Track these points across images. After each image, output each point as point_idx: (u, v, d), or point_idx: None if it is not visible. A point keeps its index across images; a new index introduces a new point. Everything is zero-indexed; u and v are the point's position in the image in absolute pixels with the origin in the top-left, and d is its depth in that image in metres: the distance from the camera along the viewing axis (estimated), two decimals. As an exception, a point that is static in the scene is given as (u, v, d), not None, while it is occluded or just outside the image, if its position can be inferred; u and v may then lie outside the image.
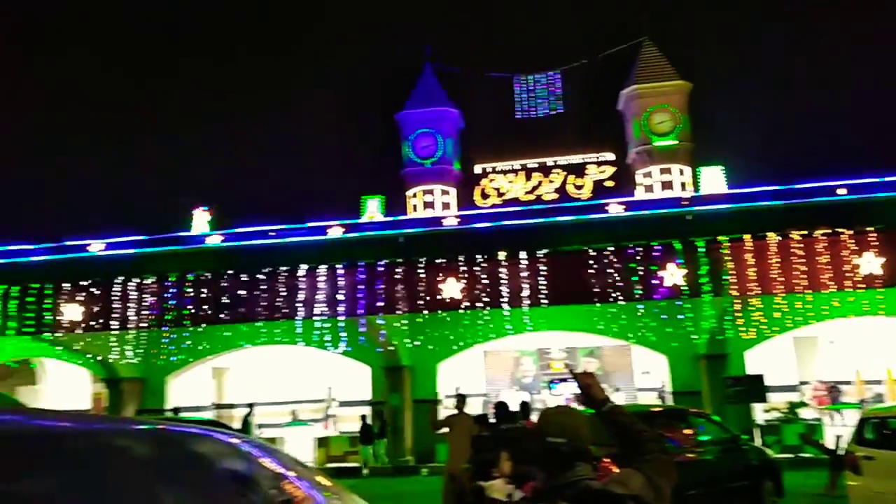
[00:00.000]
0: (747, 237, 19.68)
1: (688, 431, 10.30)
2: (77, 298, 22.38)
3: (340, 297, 21.15)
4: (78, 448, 1.02)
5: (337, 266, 21.38)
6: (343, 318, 21.05)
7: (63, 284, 22.42)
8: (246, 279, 21.72)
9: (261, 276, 21.67)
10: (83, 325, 22.20)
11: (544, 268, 20.09)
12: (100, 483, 0.96)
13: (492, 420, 12.05)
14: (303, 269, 21.48)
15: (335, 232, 22.72)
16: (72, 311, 22.11)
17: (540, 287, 19.96)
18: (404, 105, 29.70)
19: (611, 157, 26.28)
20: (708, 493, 9.16)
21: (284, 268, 21.59)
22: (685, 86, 27.37)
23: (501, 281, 20.23)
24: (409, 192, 28.51)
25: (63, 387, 24.26)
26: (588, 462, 2.32)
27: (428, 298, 20.66)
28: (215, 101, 59.78)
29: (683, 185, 26.07)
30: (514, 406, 12.67)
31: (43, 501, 0.86)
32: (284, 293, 21.45)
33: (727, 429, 11.22)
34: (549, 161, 26.44)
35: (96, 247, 23.13)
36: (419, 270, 20.92)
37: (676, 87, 27.22)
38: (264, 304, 21.49)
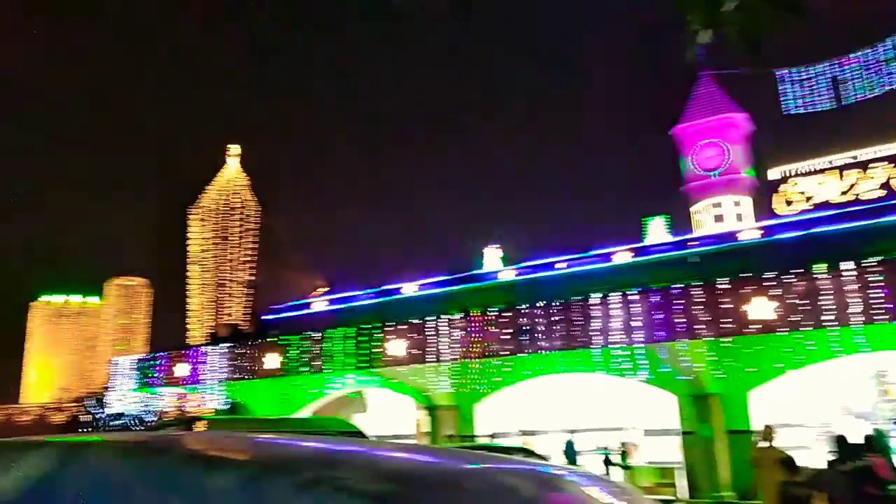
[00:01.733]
0: None
1: None
2: (398, 335, 25.47)
3: (636, 323, 20.72)
4: (475, 489, 1.15)
5: (628, 292, 21.04)
6: (641, 345, 20.56)
7: (386, 324, 25.73)
8: (541, 310, 22.53)
9: (554, 307, 22.30)
10: (405, 359, 25.14)
11: (877, 277, 17.26)
12: None
13: (831, 457, 10.72)
14: (595, 298, 21.57)
15: (622, 257, 22.52)
16: (395, 347, 25.21)
17: (872, 300, 17.18)
18: (681, 117, 28.43)
19: (950, 137, 21.81)
20: None
21: (576, 297, 21.92)
22: None
23: (823, 296, 17.87)
24: (694, 208, 27.08)
25: (386, 413, 27.59)
26: None
27: (732, 320, 19.16)
28: (493, 143, 63.87)
29: None
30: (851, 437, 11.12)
31: None
32: (579, 322, 21.74)
33: None
34: (864, 154, 22.88)
35: (409, 289, 26.20)
36: (719, 290, 19.56)
37: None
38: (560, 334, 22.01)
